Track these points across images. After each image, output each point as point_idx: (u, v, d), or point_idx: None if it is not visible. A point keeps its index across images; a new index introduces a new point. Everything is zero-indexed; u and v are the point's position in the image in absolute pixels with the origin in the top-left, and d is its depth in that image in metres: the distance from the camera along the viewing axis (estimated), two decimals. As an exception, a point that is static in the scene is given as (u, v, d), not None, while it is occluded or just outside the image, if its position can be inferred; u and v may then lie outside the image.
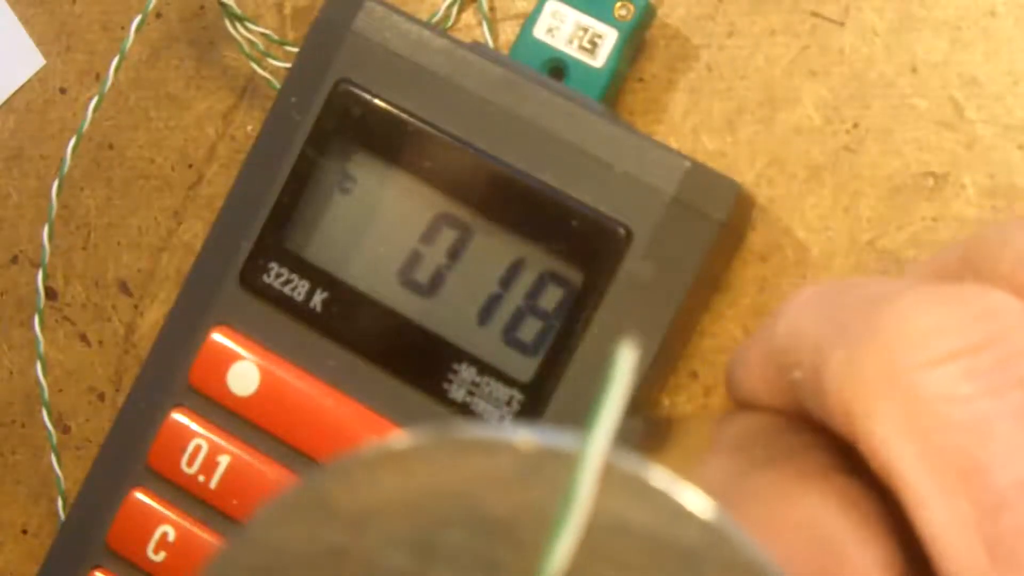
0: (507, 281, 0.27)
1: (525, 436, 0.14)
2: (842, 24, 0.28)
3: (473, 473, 0.14)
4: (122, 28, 0.33)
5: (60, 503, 0.32)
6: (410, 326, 0.27)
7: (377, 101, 0.27)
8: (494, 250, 0.27)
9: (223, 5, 0.30)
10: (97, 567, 0.29)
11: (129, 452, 0.29)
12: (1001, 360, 0.17)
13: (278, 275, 0.28)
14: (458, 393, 0.27)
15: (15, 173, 0.33)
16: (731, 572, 0.14)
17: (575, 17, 0.28)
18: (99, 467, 0.29)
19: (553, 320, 0.27)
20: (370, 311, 0.28)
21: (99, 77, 0.33)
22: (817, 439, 0.19)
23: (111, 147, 0.33)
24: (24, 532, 0.33)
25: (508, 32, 0.30)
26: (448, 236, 0.27)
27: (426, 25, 0.28)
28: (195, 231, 0.32)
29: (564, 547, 0.13)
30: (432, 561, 0.14)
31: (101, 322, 0.33)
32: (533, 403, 0.27)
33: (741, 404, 0.21)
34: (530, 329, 0.27)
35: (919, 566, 0.17)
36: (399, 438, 0.14)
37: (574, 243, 0.27)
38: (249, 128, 0.32)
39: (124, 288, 0.32)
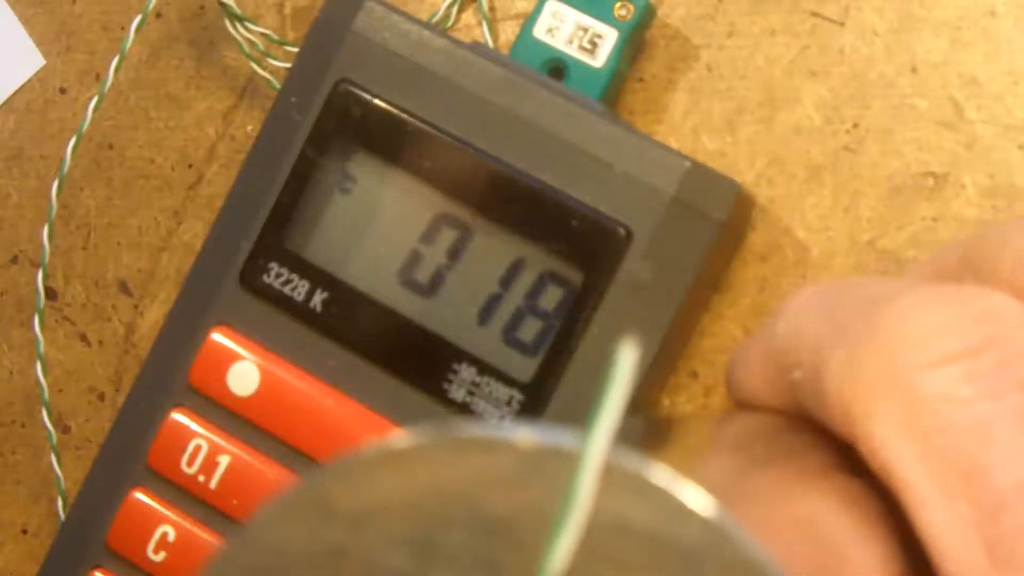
0: (507, 281, 0.27)
1: (525, 435, 0.14)
2: (842, 24, 0.28)
3: (473, 472, 0.14)
4: (122, 28, 0.33)
5: (60, 503, 0.32)
6: (410, 326, 0.27)
7: (377, 101, 0.27)
8: (494, 250, 0.27)
9: (223, 5, 0.30)
10: (97, 567, 0.29)
11: (129, 452, 0.29)
12: (1001, 362, 0.17)
13: (278, 275, 0.28)
14: (458, 393, 0.27)
15: (15, 173, 0.33)
16: (732, 571, 0.14)
17: (575, 17, 0.28)
18: (99, 467, 0.29)
19: (553, 320, 0.27)
20: (370, 311, 0.28)
21: (99, 77, 0.33)
22: (817, 438, 0.19)
23: (111, 147, 0.33)
24: (24, 532, 0.33)
25: (508, 32, 0.30)
26: (448, 236, 0.27)
27: (426, 25, 0.28)
28: (195, 231, 0.32)
29: (564, 546, 0.13)
30: (432, 561, 0.14)
31: (101, 322, 0.33)
32: (533, 403, 0.27)
33: (741, 404, 0.21)
34: (530, 329, 0.27)
35: (919, 566, 0.17)
36: (399, 438, 0.14)
37: (574, 243, 0.27)
38: (249, 128, 0.32)
39: (124, 288, 0.32)
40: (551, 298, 0.27)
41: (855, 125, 0.28)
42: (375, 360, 0.28)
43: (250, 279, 0.28)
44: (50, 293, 0.33)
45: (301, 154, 0.28)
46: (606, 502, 0.14)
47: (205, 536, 0.28)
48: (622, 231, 0.26)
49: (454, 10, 0.30)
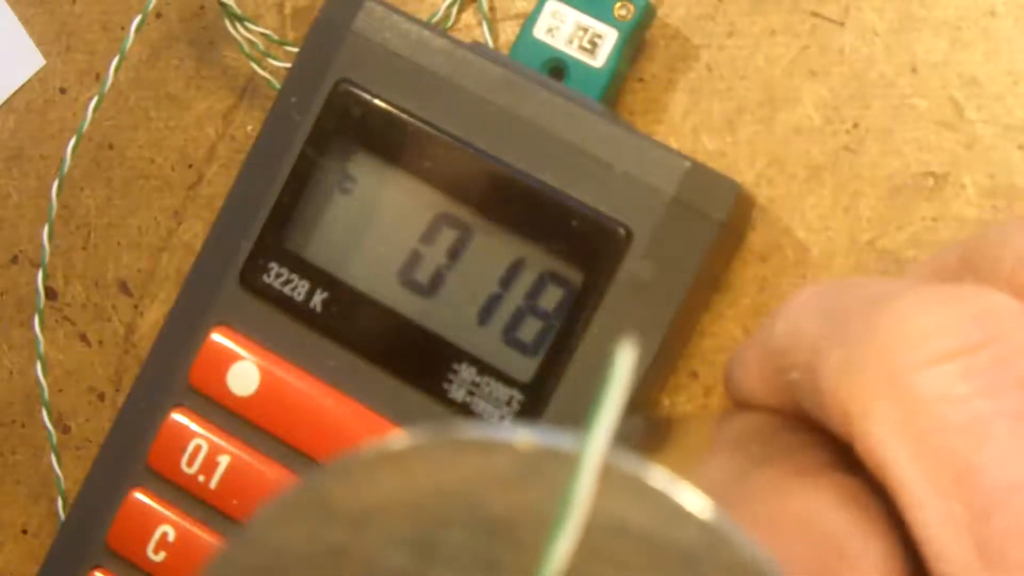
0: (507, 281, 0.27)
1: (524, 436, 0.14)
2: (842, 24, 0.28)
3: (472, 473, 0.14)
4: (122, 28, 0.33)
5: (60, 503, 0.32)
6: (410, 326, 0.27)
7: (377, 101, 0.27)
8: (494, 250, 0.27)
9: (223, 5, 0.30)
10: (97, 567, 0.29)
11: (129, 452, 0.29)
12: (999, 360, 0.17)
13: (278, 275, 0.28)
14: (458, 393, 0.27)
15: (15, 173, 0.33)
16: (730, 572, 0.14)
17: (575, 17, 0.28)
18: (99, 467, 0.29)
19: (553, 320, 0.27)
20: (370, 311, 0.28)
21: (99, 77, 0.33)
22: (815, 437, 0.19)
23: (111, 147, 0.33)
24: (24, 532, 0.33)
25: (508, 32, 0.30)
26: (448, 236, 0.27)
27: (426, 25, 0.28)
28: (195, 231, 0.32)
29: (563, 547, 0.13)
30: (432, 561, 0.14)
31: (101, 322, 0.33)
32: (533, 403, 0.27)
33: (739, 404, 0.21)
34: (530, 329, 0.27)
35: (918, 563, 0.17)
36: (399, 438, 0.14)
37: (574, 243, 0.27)
38: (249, 128, 0.32)
39: (124, 288, 0.32)
40: (551, 298, 0.27)
41: (855, 125, 0.28)
42: (375, 360, 0.28)
43: (250, 279, 0.28)
44: (50, 293, 0.33)
45: (301, 154, 0.28)
46: (605, 503, 0.14)
47: (205, 536, 0.28)
48: (622, 231, 0.26)
49: (454, 10, 0.30)
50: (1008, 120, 0.27)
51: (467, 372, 0.27)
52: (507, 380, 0.27)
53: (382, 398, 0.28)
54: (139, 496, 0.29)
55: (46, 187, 0.32)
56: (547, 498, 0.14)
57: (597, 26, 0.28)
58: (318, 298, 0.28)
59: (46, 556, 0.30)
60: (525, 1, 0.30)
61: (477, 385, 0.27)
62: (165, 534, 0.29)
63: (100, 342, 0.33)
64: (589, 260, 0.26)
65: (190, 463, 0.28)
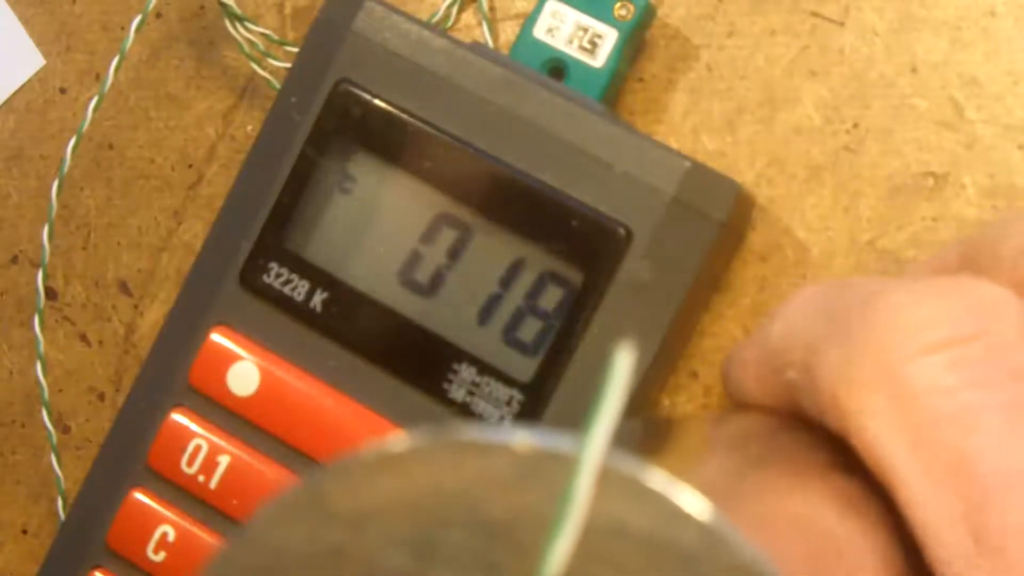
0: (507, 281, 0.27)
1: (523, 438, 0.14)
2: (842, 24, 0.28)
3: (472, 474, 0.14)
4: (122, 28, 0.33)
5: (60, 503, 0.32)
6: (410, 326, 0.27)
7: (377, 101, 0.27)
8: (494, 250, 0.27)
9: (223, 5, 0.30)
10: (97, 567, 0.29)
11: (129, 452, 0.29)
12: (990, 351, 0.17)
13: (278, 275, 0.28)
14: (458, 393, 0.27)
15: (15, 173, 0.33)
16: (729, 574, 0.14)
17: (575, 17, 0.28)
18: (99, 467, 0.29)
19: (553, 320, 0.27)
20: (370, 311, 0.28)
21: (99, 77, 0.33)
22: (813, 438, 0.19)
23: (111, 147, 0.33)
24: (24, 532, 0.33)
25: (508, 32, 0.30)
26: (448, 236, 0.27)
27: (426, 25, 0.28)
28: (195, 231, 0.32)
29: (562, 549, 0.13)
30: (432, 562, 0.14)
31: (101, 322, 0.33)
32: (533, 403, 0.27)
33: (737, 403, 0.21)
34: (530, 329, 0.27)
35: (918, 563, 0.17)
36: (398, 439, 0.14)
37: (574, 243, 0.27)
38: (249, 128, 0.32)
39: (124, 288, 0.32)
40: (551, 298, 0.27)
41: (855, 125, 0.28)
42: (375, 360, 0.28)
43: (250, 279, 0.28)
44: (50, 293, 0.33)
45: (301, 154, 0.28)
46: (603, 505, 0.14)
47: (205, 536, 0.29)
48: (622, 231, 0.26)
49: (454, 10, 0.30)
50: (1008, 120, 0.27)
51: (467, 372, 0.27)
52: (507, 380, 0.27)
53: (382, 398, 0.28)
54: (139, 496, 0.29)
55: (46, 187, 0.32)
56: (546, 499, 0.14)
57: (597, 26, 0.28)
58: (318, 298, 0.28)
59: (46, 556, 0.30)
60: (525, 1, 0.30)
61: (477, 385, 0.27)
62: (165, 534, 0.29)
63: (100, 342, 0.33)
64: (589, 260, 0.26)
65: (190, 463, 0.28)
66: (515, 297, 0.27)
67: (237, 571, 0.15)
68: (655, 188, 0.26)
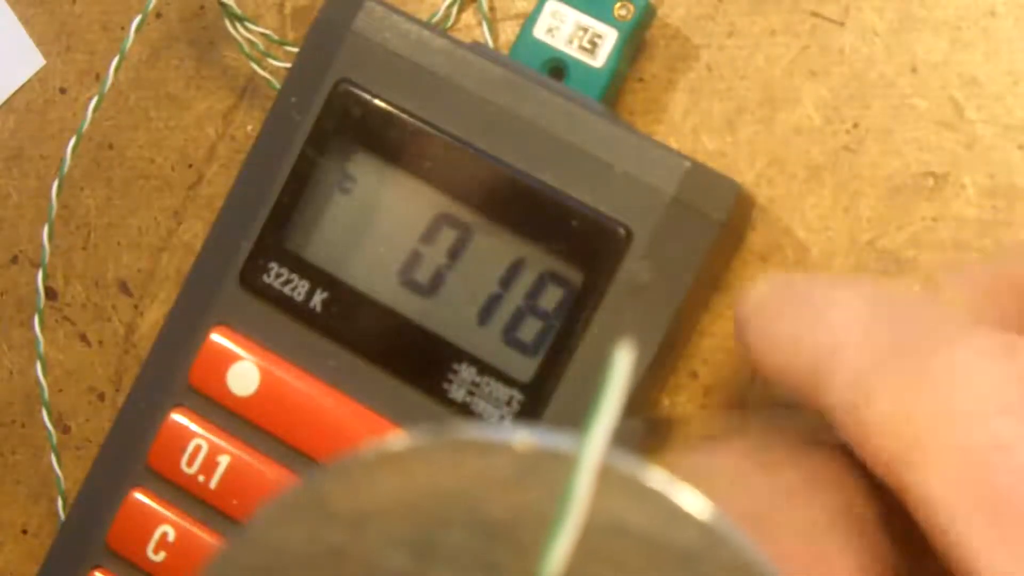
0: (507, 281, 0.27)
1: (523, 437, 0.14)
2: (842, 24, 0.28)
3: (471, 474, 0.14)
4: (122, 28, 0.33)
5: (60, 503, 0.32)
6: (410, 326, 0.27)
7: (377, 101, 0.27)
8: (494, 250, 0.27)
9: (223, 5, 0.30)
10: (97, 567, 0.29)
11: (129, 452, 0.29)
12: None
13: (278, 275, 0.28)
14: (458, 393, 0.27)
15: (15, 173, 0.33)
16: (729, 573, 0.14)
17: (575, 17, 0.28)
18: (99, 467, 0.29)
19: (553, 320, 0.27)
20: (370, 311, 0.28)
21: (99, 77, 0.33)
22: (823, 446, 0.19)
23: (111, 147, 0.33)
24: (24, 532, 0.33)
25: (508, 32, 0.30)
26: (448, 236, 0.27)
27: (426, 25, 0.28)
28: (195, 231, 0.32)
29: (562, 548, 0.13)
30: (432, 561, 0.14)
31: (101, 322, 0.33)
32: (533, 403, 0.27)
33: (751, 367, 0.20)
34: (530, 329, 0.27)
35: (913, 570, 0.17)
36: (398, 439, 0.14)
37: (574, 243, 0.27)
38: (249, 128, 0.32)
39: (124, 288, 0.32)
40: (551, 298, 0.27)
41: (855, 125, 0.28)
42: (375, 360, 0.28)
43: (250, 279, 0.28)
44: (50, 293, 0.33)
45: (301, 154, 0.28)
46: (603, 504, 0.14)
47: (205, 536, 0.28)
48: (622, 231, 0.26)
49: (454, 10, 0.30)
50: (1008, 120, 0.27)
51: (467, 372, 0.27)
52: (507, 380, 0.27)
53: (382, 398, 0.28)
54: (139, 496, 0.29)
55: (46, 187, 0.32)
56: (546, 499, 0.14)
57: (597, 26, 0.28)
58: (318, 298, 0.28)
59: (46, 556, 0.30)
60: (525, 1, 0.30)
61: (477, 385, 0.27)
62: (165, 534, 0.29)
63: (100, 342, 0.33)
64: (589, 260, 0.26)
65: (190, 463, 0.28)
66: (515, 297, 0.27)
67: (237, 571, 0.15)
68: (655, 188, 0.26)
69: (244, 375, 0.28)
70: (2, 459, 0.33)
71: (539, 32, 0.28)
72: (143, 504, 0.29)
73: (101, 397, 0.33)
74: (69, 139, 0.31)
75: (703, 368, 0.29)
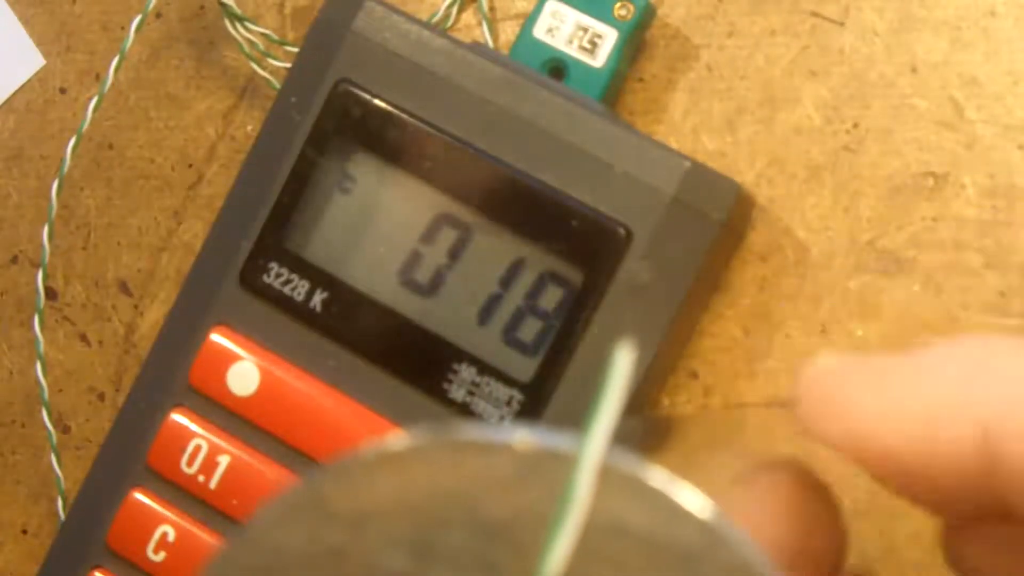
0: (507, 281, 0.27)
1: (522, 437, 0.14)
2: (842, 24, 0.28)
3: (471, 474, 0.14)
4: (122, 28, 0.33)
5: (60, 503, 0.32)
6: (410, 326, 0.27)
7: (377, 101, 0.27)
8: (494, 250, 0.27)
9: (223, 5, 0.30)
10: (97, 567, 0.29)
11: (129, 452, 0.29)
12: None
13: (278, 275, 0.28)
14: (458, 393, 0.27)
15: (15, 173, 0.33)
16: (729, 573, 0.14)
17: (575, 17, 0.28)
18: (99, 467, 0.29)
19: (553, 320, 0.27)
20: (370, 311, 0.28)
21: (99, 77, 0.33)
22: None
23: (111, 147, 0.33)
24: (24, 532, 0.33)
25: (508, 32, 0.30)
26: (448, 236, 0.27)
27: (426, 25, 0.28)
28: (195, 231, 0.32)
29: (562, 548, 0.13)
30: (431, 561, 0.14)
31: (101, 322, 0.33)
32: (533, 403, 0.27)
33: (845, 452, 0.17)
34: (530, 329, 0.27)
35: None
36: (397, 439, 0.14)
37: (574, 243, 0.27)
38: (249, 128, 0.32)
39: (124, 288, 0.32)
40: (551, 298, 0.27)
41: (855, 125, 0.28)
42: (375, 360, 0.28)
43: (250, 279, 0.28)
44: (50, 293, 0.33)
45: (301, 154, 0.28)
46: (603, 504, 0.14)
47: (205, 536, 0.28)
48: (622, 231, 0.26)
49: (454, 10, 0.30)
50: (1008, 120, 0.27)
51: (467, 372, 0.27)
52: (507, 380, 0.27)
53: (382, 398, 0.28)
54: (139, 496, 0.29)
55: (46, 187, 0.32)
56: (546, 499, 0.14)
57: (597, 26, 0.28)
58: (318, 298, 0.28)
59: (46, 556, 0.30)
60: (525, 1, 0.30)
61: (477, 385, 0.27)
62: (165, 534, 0.29)
63: (100, 342, 0.33)
64: (589, 260, 0.26)
65: (190, 463, 0.28)
66: (515, 297, 0.27)
67: (237, 571, 0.15)
68: (655, 188, 0.26)
69: (244, 375, 0.28)
70: (2, 459, 0.33)
71: (539, 32, 0.28)
72: (143, 504, 0.29)
73: (101, 397, 0.33)
74: (69, 139, 0.31)
75: (703, 368, 0.29)
